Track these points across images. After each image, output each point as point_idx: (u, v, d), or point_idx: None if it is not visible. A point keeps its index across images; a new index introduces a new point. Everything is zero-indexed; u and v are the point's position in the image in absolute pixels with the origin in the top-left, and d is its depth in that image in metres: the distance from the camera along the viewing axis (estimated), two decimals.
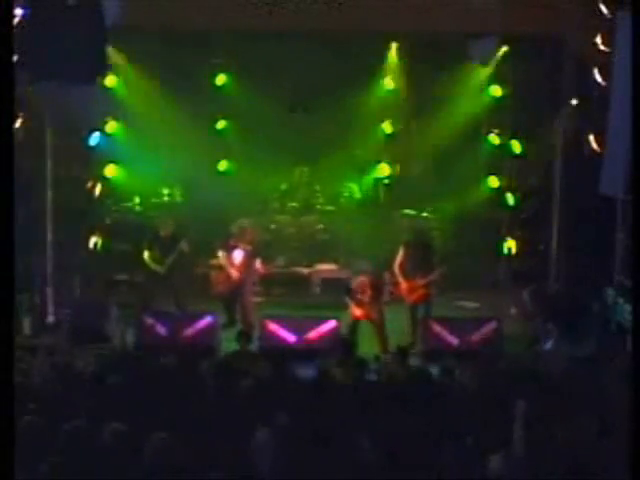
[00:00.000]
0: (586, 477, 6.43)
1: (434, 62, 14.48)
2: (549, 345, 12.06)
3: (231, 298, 13.22)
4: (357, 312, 12.19)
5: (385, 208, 16.27)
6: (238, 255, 13.15)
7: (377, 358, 9.91)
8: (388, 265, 13.24)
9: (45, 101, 13.15)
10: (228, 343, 11.68)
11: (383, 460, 6.60)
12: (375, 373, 9.41)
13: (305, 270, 15.64)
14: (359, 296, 12.16)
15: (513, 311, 13.81)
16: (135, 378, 8.65)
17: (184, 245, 13.17)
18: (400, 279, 12.81)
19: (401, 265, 12.83)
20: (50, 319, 13.25)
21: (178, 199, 16.35)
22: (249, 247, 13.15)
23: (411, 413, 7.42)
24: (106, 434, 6.65)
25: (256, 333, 12.12)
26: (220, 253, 13.29)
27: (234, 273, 13.08)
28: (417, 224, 14.48)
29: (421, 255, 12.77)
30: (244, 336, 10.86)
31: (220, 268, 13.48)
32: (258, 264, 13.31)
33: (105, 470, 6.34)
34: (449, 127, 16.05)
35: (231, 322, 13.10)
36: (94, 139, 14.66)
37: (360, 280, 12.33)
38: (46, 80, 11.30)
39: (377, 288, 12.39)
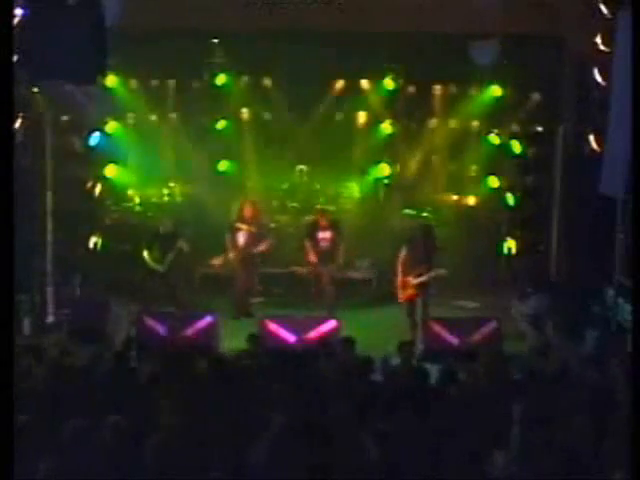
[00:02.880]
0: (586, 477, 6.44)
1: (434, 62, 14.47)
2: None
3: (234, 289, 13.75)
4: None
5: (385, 208, 16.27)
6: (241, 238, 13.81)
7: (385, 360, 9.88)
8: (388, 264, 13.27)
9: (45, 101, 13.16)
10: (228, 343, 11.71)
11: (383, 460, 6.60)
12: (380, 372, 9.40)
13: (305, 270, 15.63)
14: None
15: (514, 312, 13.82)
16: (135, 377, 8.67)
17: (183, 244, 13.23)
18: (399, 276, 12.82)
19: (403, 262, 12.85)
20: (50, 319, 13.25)
21: (178, 199, 16.37)
22: (252, 229, 13.80)
23: (411, 413, 7.42)
24: (105, 434, 6.65)
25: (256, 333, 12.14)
26: (227, 236, 13.91)
27: (232, 254, 13.78)
28: (420, 221, 14.49)
29: (424, 252, 12.82)
30: (254, 338, 10.89)
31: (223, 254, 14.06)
32: (264, 245, 13.96)
33: (105, 470, 6.35)
34: (449, 127, 16.07)
35: (238, 312, 13.48)
36: (94, 139, 14.65)
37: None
38: (46, 80, 11.31)
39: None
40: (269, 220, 15.52)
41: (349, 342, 10.35)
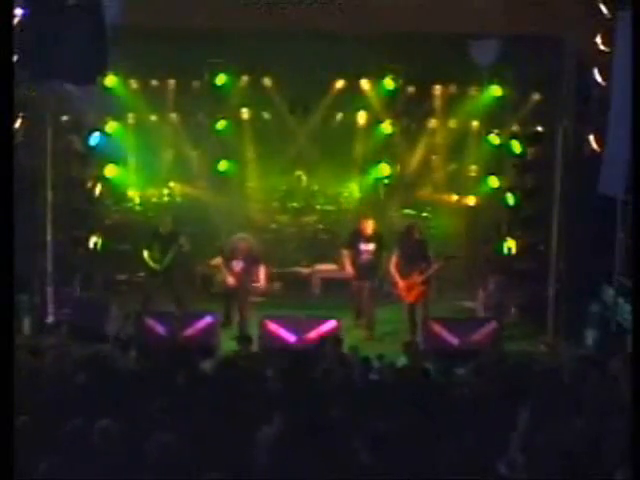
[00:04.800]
0: (586, 477, 6.43)
1: (434, 62, 14.47)
2: None
3: (229, 298, 13.27)
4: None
5: (385, 208, 16.27)
6: (237, 264, 13.24)
7: (380, 357, 9.92)
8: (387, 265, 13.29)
9: (45, 101, 13.16)
10: (228, 343, 11.71)
11: (382, 460, 6.60)
12: (378, 373, 9.42)
13: (305, 270, 15.66)
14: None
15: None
16: (135, 377, 8.67)
17: (183, 240, 13.22)
18: (397, 279, 12.89)
19: (397, 265, 12.91)
20: (50, 319, 13.24)
21: (178, 199, 16.37)
22: (248, 257, 13.25)
23: (411, 412, 7.42)
24: (106, 434, 6.65)
25: (256, 333, 12.14)
26: (219, 260, 13.46)
27: (231, 280, 13.16)
28: (407, 222, 14.50)
29: (415, 253, 12.88)
30: (244, 339, 10.87)
31: (218, 269, 13.54)
32: (262, 274, 13.34)
33: (105, 470, 6.35)
34: (449, 127, 16.07)
35: (228, 321, 13.15)
36: (94, 139, 14.66)
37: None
38: (46, 80, 11.30)
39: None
40: (266, 228, 15.47)
41: (337, 341, 10.42)
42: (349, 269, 13.26)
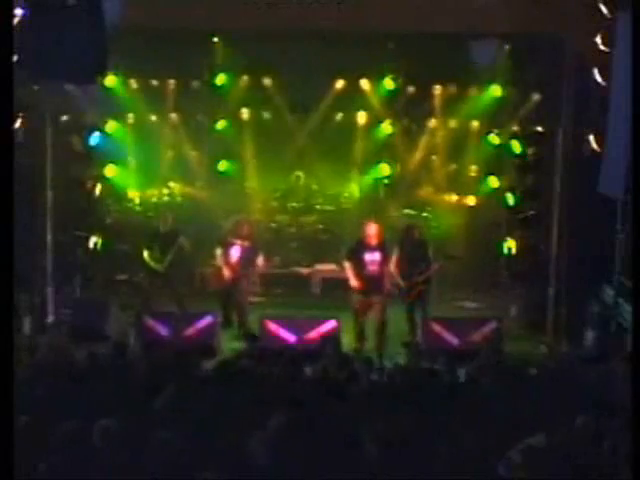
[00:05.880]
0: (586, 477, 6.43)
1: (434, 62, 14.48)
2: None
3: (226, 297, 13.25)
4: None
5: (385, 208, 16.28)
6: (235, 252, 13.16)
7: (380, 356, 9.92)
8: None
9: (45, 101, 13.16)
10: (228, 343, 11.72)
11: (383, 459, 6.60)
12: (378, 372, 9.42)
13: (305, 270, 15.66)
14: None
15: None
16: (135, 377, 8.67)
17: (183, 240, 13.21)
18: (397, 278, 12.87)
19: (397, 264, 12.89)
20: (50, 319, 13.25)
21: (178, 199, 16.38)
22: (246, 243, 13.16)
23: (411, 412, 7.42)
24: (105, 433, 6.65)
25: (256, 333, 12.13)
26: (217, 250, 13.29)
27: (227, 272, 13.10)
28: (407, 222, 14.49)
29: (415, 253, 12.85)
30: (250, 336, 10.87)
31: (215, 266, 13.52)
32: (260, 260, 13.35)
33: (105, 469, 6.35)
34: (449, 127, 16.08)
35: (228, 322, 13.13)
36: (94, 139, 14.66)
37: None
38: (46, 80, 11.31)
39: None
40: (265, 228, 15.52)
41: (335, 341, 10.42)
42: (354, 283, 12.18)
